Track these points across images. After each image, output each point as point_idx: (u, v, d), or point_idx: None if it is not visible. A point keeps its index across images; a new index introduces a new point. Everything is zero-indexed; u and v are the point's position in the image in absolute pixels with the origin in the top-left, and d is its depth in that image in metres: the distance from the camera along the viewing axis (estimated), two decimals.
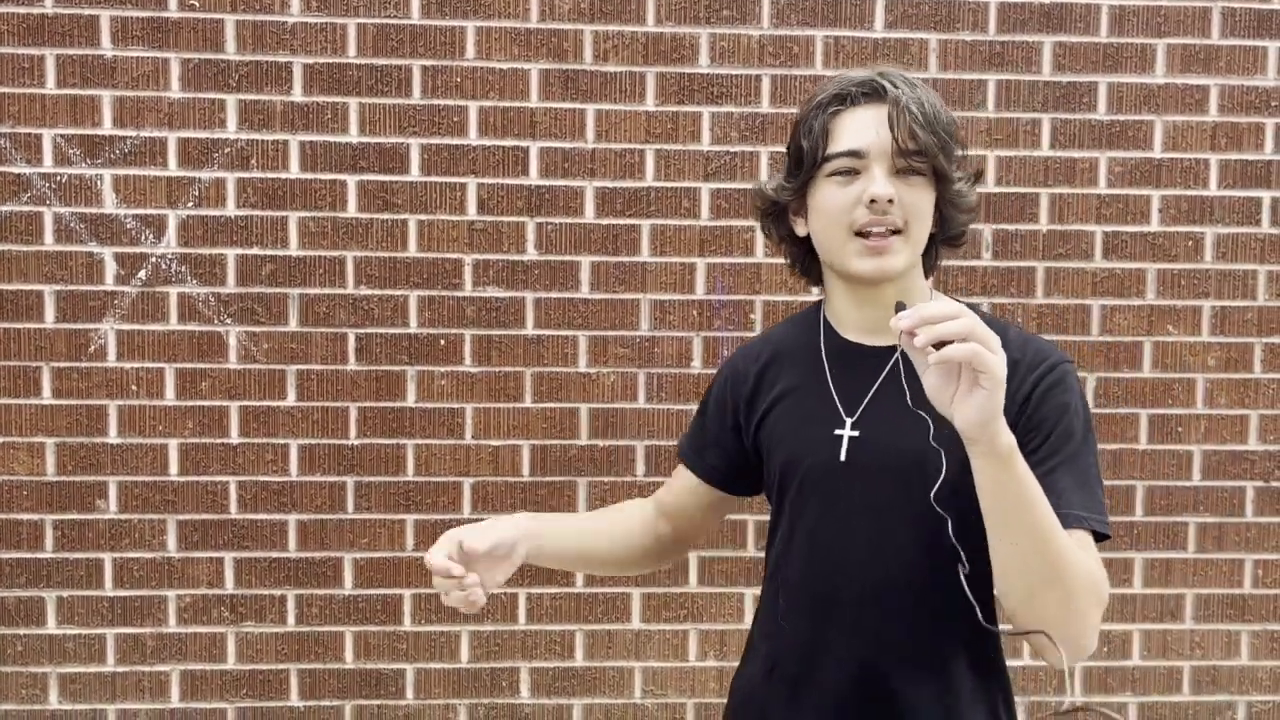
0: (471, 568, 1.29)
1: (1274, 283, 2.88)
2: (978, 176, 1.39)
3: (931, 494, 1.17)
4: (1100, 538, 1.25)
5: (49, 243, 2.72)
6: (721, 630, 2.88)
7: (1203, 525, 2.91)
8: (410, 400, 2.80)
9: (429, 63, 2.74)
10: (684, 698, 2.88)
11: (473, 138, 2.77)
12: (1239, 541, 2.92)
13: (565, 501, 2.83)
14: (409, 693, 2.85)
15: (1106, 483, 2.88)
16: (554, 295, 2.80)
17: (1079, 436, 1.26)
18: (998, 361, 1.05)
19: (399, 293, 2.78)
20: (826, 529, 1.36)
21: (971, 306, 1.27)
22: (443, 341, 2.79)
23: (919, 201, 1.29)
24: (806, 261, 1.44)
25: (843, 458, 1.33)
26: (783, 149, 2.89)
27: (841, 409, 1.36)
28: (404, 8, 2.73)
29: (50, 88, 2.69)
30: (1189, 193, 2.86)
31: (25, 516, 2.76)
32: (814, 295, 2.82)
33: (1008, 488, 1.12)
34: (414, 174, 2.76)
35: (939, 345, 1.05)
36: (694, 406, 2.78)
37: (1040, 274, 2.85)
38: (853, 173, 1.29)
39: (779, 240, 1.45)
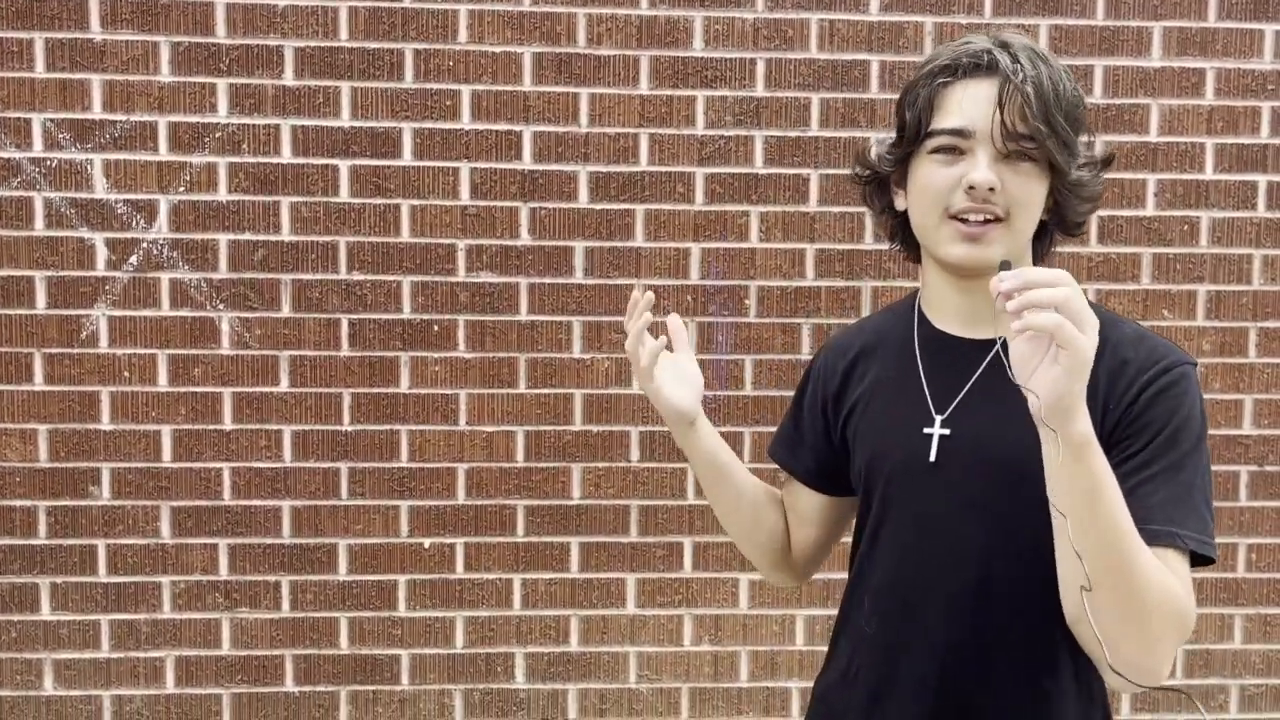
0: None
1: (1269, 267, 2.88)
2: (1106, 163, 1.29)
3: (1047, 491, 1.08)
4: (1202, 560, 1.15)
5: (40, 228, 2.70)
6: (716, 615, 2.88)
7: None
8: (404, 386, 2.79)
9: (421, 46, 2.73)
10: (679, 682, 2.89)
11: (466, 122, 2.75)
12: (1233, 526, 2.92)
13: (560, 488, 2.82)
14: (404, 678, 2.85)
15: None
16: (548, 280, 2.79)
17: (1186, 447, 1.15)
18: (1083, 341, 0.98)
19: (392, 278, 2.77)
20: (911, 531, 1.29)
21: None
22: (436, 327, 2.79)
23: (1026, 190, 1.19)
24: (906, 236, 1.34)
25: (932, 457, 1.25)
26: (776, 133, 2.89)
27: (932, 405, 1.28)
28: None
29: (39, 71, 2.67)
30: (1185, 177, 2.85)
31: (18, 503, 2.75)
32: (809, 280, 2.81)
33: (1077, 482, 1.04)
34: (407, 158, 2.75)
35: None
36: None
37: None
38: (956, 151, 1.20)
39: (880, 211, 1.36)
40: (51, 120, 2.68)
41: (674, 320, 1.36)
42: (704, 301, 2.82)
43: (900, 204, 1.31)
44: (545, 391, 2.80)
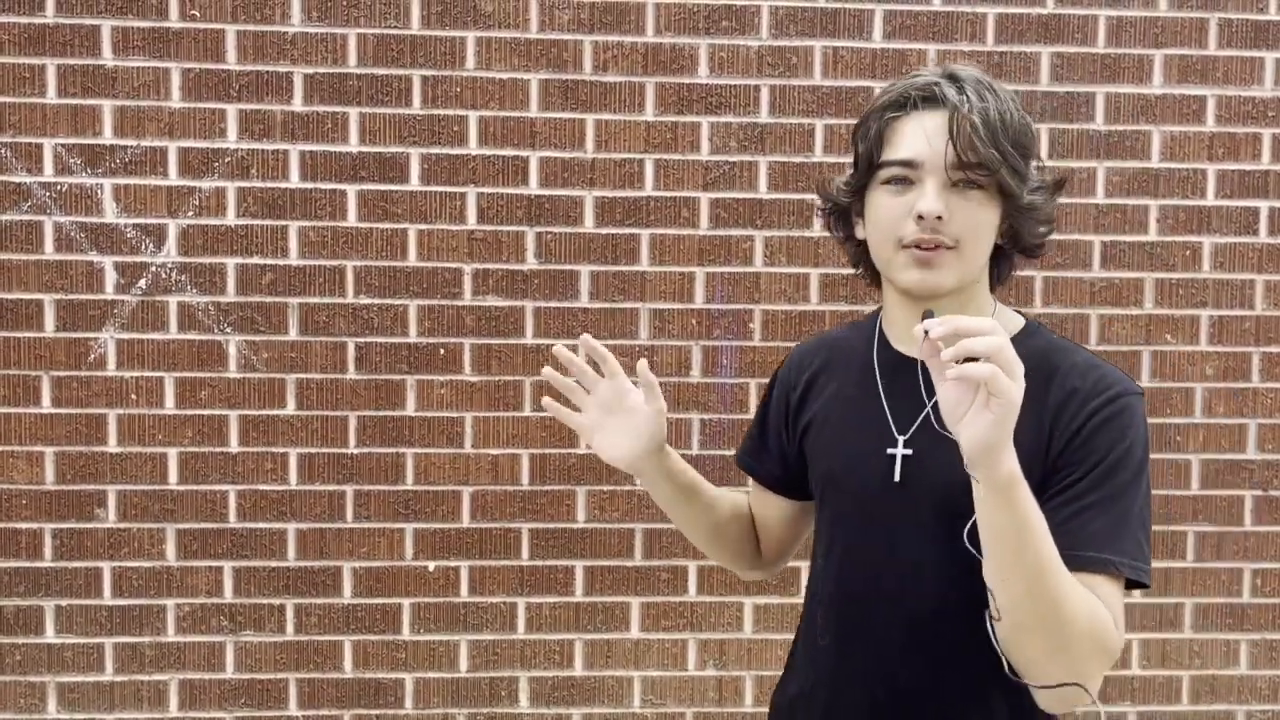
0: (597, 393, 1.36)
1: (1271, 292, 2.89)
2: (1058, 186, 1.32)
3: (965, 533, 1.12)
4: (1136, 585, 1.18)
5: (49, 252, 2.72)
6: (721, 639, 2.88)
7: (1201, 534, 2.91)
8: (410, 409, 2.80)
9: (429, 73, 2.75)
10: (683, 707, 2.88)
11: (472, 147, 2.77)
12: (1237, 551, 2.92)
13: (565, 511, 2.83)
14: (408, 702, 2.84)
15: None
16: (553, 304, 2.80)
17: (1126, 476, 1.17)
18: (1014, 389, 1.00)
19: (399, 302, 2.78)
20: (867, 547, 1.31)
21: (1036, 326, 1.25)
22: (442, 350, 2.80)
23: (975, 218, 1.22)
24: (868, 263, 1.36)
25: (896, 477, 1.27)
26: (781, 159, 2.91)
27: (894, 426, 1.30)
28: (404, 18, 2.74)
29: (51, 97, 2.70)
30: (1186, 202, 2.87)
31: (24, 525, 2.76)
32: (813, 305, 2.83)
33: (1002, 520, 1.06)
34: (414, 183, 2.77)
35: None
36: (694, 415, 2.81)
37: (1038, 283, 2.85)
38: (906, 181, 1.23)
39: (843, 240, 1.39)
40: (62, 145, 2.70)
41: (641, 365, 1.37)
42: (709, 325, 2.83)
43: (861, 233, 1.35)
44: (550, 415, 2.81)
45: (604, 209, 2.80)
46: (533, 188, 2.79)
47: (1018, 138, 1.22)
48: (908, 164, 1.22)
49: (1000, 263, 1.34)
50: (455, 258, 2.79)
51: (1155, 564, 2.98)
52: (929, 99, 1.22)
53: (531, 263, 2.80)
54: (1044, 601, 1.07)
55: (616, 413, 1.38)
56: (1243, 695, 2.95)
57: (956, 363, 1.01)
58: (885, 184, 1.25)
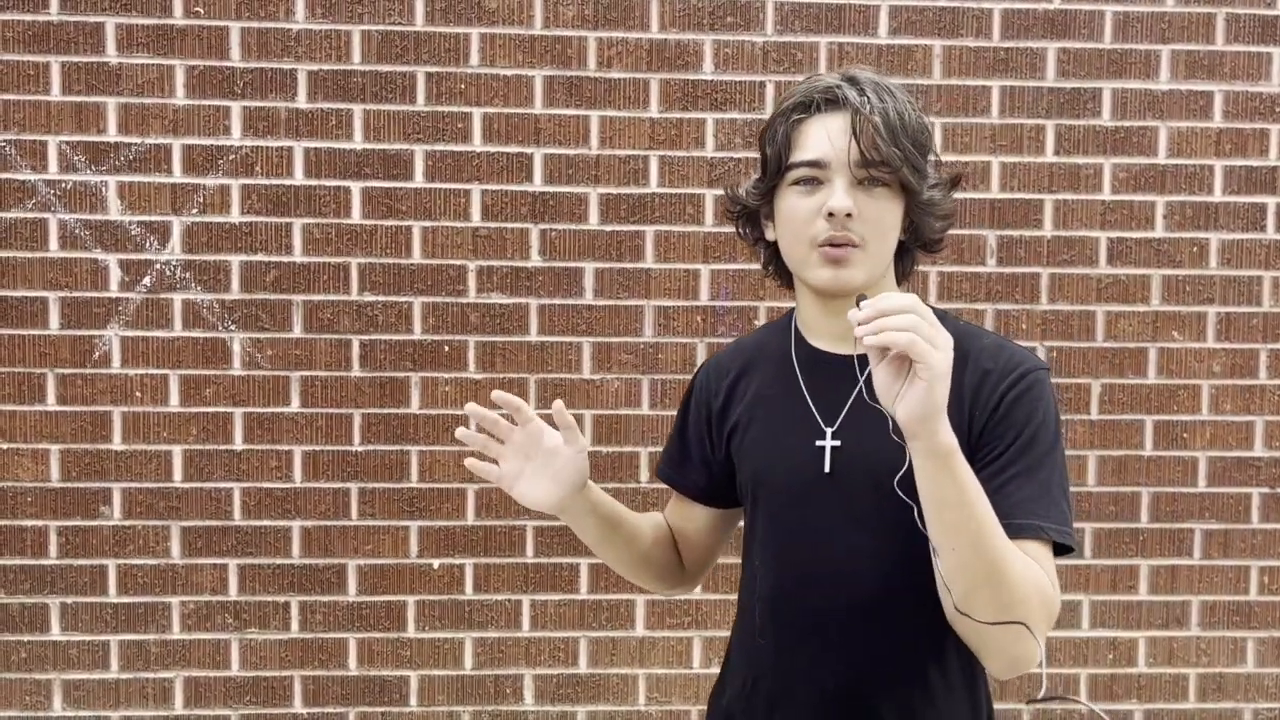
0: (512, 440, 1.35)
1: (1279, 288, 2.88)
2: (954, 183, 1.37)
3: (895, 480, 1.16)
4: (1062, 550, 1.23)
5: (54, 249, 2.72)
6: (725, 637, 2.87)
7: (1208, 532, 2.90)
8: (414, 407, 2.80)
9: (433, 69, 2.75)
10: (688, 704, 2.88)
11: (477, 144, 2.77)
12: (1244, 548, 2.91)
13: None
14: (413, 700, 2.84)
15: (1111, 489, 2.89)
16: (558, 301, 2.80)
17: (1044, 447, 1.24)
18: (936, 355, 1.05)
19: (403, 299, 2.78)
20: (804, 541, 1.33)
21: (942, 314, 1.26)
22: (446, 348, 2.79)
23: (881, 214, 1.27)
24: (779, 265, 1.41)
25: (827, 469, 1.30)
26: None
27: (820, 419, 1.33)
28: (408, 15, 2.73)
29: (55, 94, 2.70)
30: (1193, 199, 2.86)
31: (29, 523, 2.76)
32: None
33: (945, 488, 1.10)
34: (418, 180, 2.77)
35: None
36: None
37: (1045, 280, 2.84)
38: (814, 182, 1.27)
39: (753, 243, 1.43)
40: (67, 142, 2.71)
41: (556, 406, 1.36)
42: (713, 322, 2.82)
43: (770, 234, 1.38)
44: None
45: (608, 206, 2.79)
46: (537, 184, 2.78)
47: (916, 136, 1.27)
48: (815, 164, 1.26)
49: (903, 258, 1.38)
50: (460, 255, 2.78)
51: (1162, 561, 3.00)
52: (831, 101, 1.27)
53: (536, 260, 2.80)
54: (989, 565, 1.12)
55: (534, 457, 1.36)
56: (1249, 693, 2.94)
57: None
58: (794, 185, 1.29)
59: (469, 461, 1.38)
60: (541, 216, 2.79)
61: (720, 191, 2.79)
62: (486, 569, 2.83)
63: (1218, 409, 2.88)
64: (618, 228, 2.80)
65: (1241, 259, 2.87)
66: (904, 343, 1.04)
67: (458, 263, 2.78)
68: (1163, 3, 2.81)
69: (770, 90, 2.79)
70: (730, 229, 2.78)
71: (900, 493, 1.16)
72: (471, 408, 1.37)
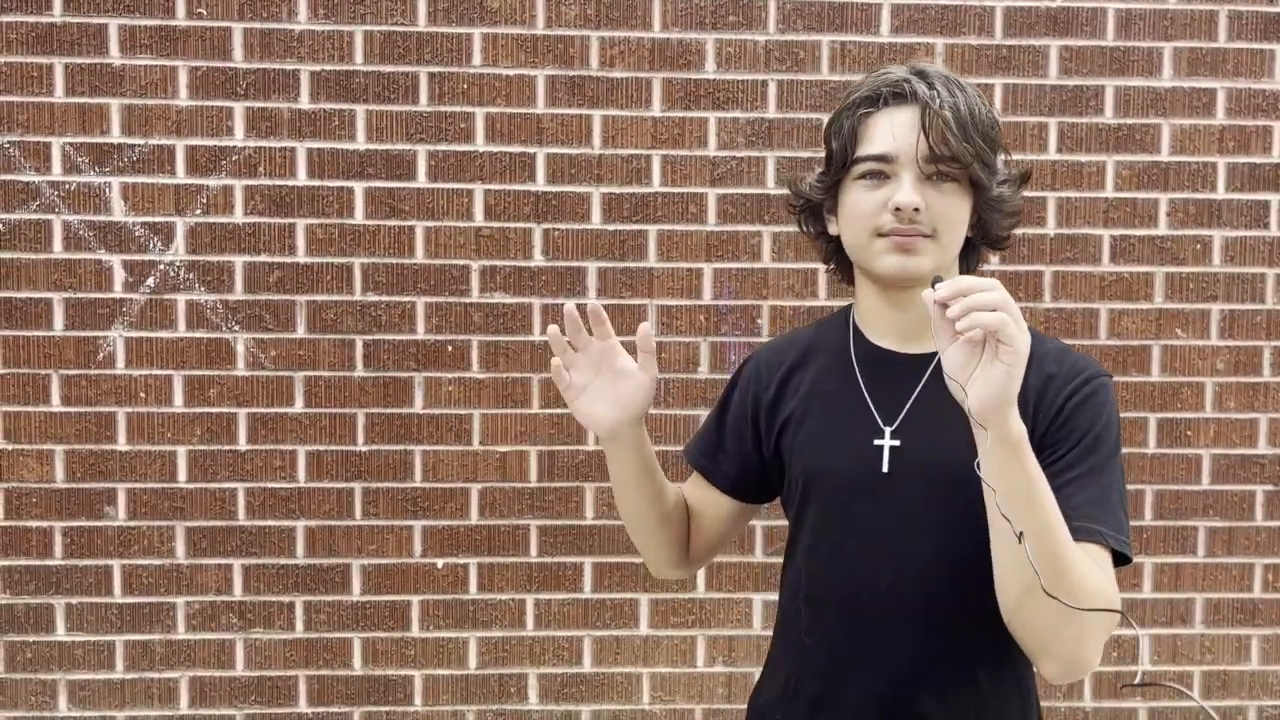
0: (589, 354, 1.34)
1: None
2: (1024, 179, 1.35)
3: (976, 464, 1.11)
4: (1121, 560, 1.20)
5: (57, 250, 2.73)
6: (730, 636, 2.87)
7: (1212, 529, 2.90)
8: (418, 406, 2.80)
9: (436, 69, 2.75)
10: (692, 703, 2.88)
11: (479, 144, 2.77)
12: (1249, 546, 2.91)
13: (573, 508, 2.82)
14: (417, 699, 2.85)
15: None
16: (561, 301, 2.80)
17: (1106, 453, 1.22)
18: (1023, 336, 1.03)
19: (406, 299, 2.78)
20: (856, 541, 1.30)
21: None
22: (450, 348, 2.80)
23: (950, 208, 1.25)
24: (840, 260, 1.40)
25: (885, 468, 1.28)
26: (788, 154, 2.90)
27: (879, 418, 1.31)
28: (411, 15, 2.73)
29: (59, 96, 2.70)
30: (1197, 196, 2.85)
31: (34, 523, 2.76)
32: (820, 300, 2.82)
33: (1015, 477, 1.08)
34: (421, 180, 2.77)
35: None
36: (701, 412, 2.80)
37: (1048, 278, 2.84)
38: (881, 175, 1.25)
39: (814, 237, 1.42)
40: (70, 144, 2.71)
41: (642, 330, 1.34)
42: (716, 321, 2.82)
43: (833, 229, 1.37)
44: (558, 411, 2.81)
45: (611, 205, 2.80)
46: (540, 184, 2.78)
47: (986, 132, 1.25)
48: (882, 158, 1.25)
49: (969, 255, 1.36)
50: (463, 255, 2.79)
51: (1166, 559, 3.00)
52: (899, 95, 1.25)
53: (539, 259, 2.80)
54: (1053, 563, 1.09)
55: (604, 373, 1.35)
56: (1254, 691, 2.94)
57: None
58: (860, 179, 1.27)
59: (554, 361, 1.37)
60: (544, 216, 2.79)
61: (724, 190, 2.79)
62: (490, 568, 2.84)
63: (1221, 407, 2.88)
64: (620, 227, 2.80)
65: (1245, 256, 2.87)
66: (995, 323, 1.02)
67: (461, 262, 2.79)
68: (1165, 0, 2.81)
69: (772, 89, 2.79)
70: (732, 227, 2.80)
71: (980, 473, 1.11)
72: (569, 308, 1.35)
